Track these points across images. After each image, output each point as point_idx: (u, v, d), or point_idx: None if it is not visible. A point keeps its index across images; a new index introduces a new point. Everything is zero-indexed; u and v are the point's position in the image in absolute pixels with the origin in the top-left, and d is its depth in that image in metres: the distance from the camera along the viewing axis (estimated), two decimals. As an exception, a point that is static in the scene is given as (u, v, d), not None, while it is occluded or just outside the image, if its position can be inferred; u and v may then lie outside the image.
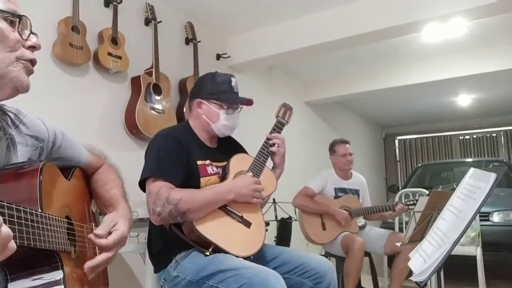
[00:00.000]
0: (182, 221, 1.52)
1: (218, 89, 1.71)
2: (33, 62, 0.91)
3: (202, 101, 1.72)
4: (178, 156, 1.60)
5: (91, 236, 0.97)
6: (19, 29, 0.88)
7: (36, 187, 0.83)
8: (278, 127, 1.84)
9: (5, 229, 0.62)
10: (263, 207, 1.77)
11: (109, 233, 1.01)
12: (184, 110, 3.04)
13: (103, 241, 0.98)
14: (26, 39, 0.89)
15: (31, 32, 0.91)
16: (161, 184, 1.52)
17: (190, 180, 1.61)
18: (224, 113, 1.71)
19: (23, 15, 0.89)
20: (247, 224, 1.62)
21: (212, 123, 1.72)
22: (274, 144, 1.79)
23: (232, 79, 1.75)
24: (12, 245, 0.64)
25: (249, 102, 1.75)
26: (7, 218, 0.67)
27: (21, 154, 0.94)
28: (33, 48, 0.91)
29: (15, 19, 0.87)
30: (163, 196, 1.48)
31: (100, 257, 0.97)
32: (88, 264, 0.94)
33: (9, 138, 0.93)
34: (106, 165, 1.25)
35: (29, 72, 0.91)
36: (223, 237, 1.54)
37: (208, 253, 1.51)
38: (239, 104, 1.76)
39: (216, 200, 1.57)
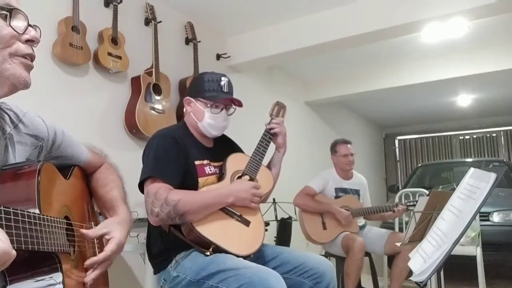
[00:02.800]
0: (181, 222, 1.52)
1: (205, 88, 1.69)
2: (31, 56, 0.87)
3: (190, 99, 1.73)
4: (176, 156, 1.60)
5: (87, 262, 0.97)
6: (12, 23, 0.83)
7: (34, 188, 0.82)
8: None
9: (1, 245, 0.62)
10: (264, 202, 1.77)
11: (104, 238, 1.02)
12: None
13: (100, 256, 0.98)
14: (23, 33, 0.84)
15: (29, 25, 0.86)
16: (160, 185, 1.52)
17: (188, 180, 1.61)
18: (208, 112, 1.68)
19: (14, 8, 0.83)
20: (246, 222, 1.63)
21: (198, 121, 1.71)
22: (275, 128, 1.81)
23: (223, 78, 1.70)
24: (13, 253, 0.64)
25: (234, 102, 1.72)
26: (4, 222, 0.66)
27: (20, 153, 0.93)
28: (31, 42, 0.86)
29: (6, 13, 0.82)
30: (162, 197, 1.48)
31: (97, 271, 0.98)
32: (89, 277, 0.95)
33: (8, 137, 0.91)
34: (106, 165, 1.24)
35: (28, 68, 0.86)
36: (223, 237, 1.54)
37: (208, 253, 1.51)
38: (225, 104, 1.71)
39: (215, 203, 1.57)
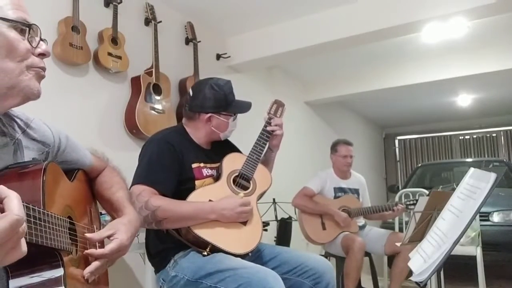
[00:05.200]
0: (156, 228, 1.53)
1: (227, 101, 1.73)
2: (42, 69, 0.91)
3: (214, 116, 1.73)
4: (170, 162, 1.60)
5: (89, 250, 0.99)
6: (29, 37, 0.88)
7: (39, 187, 0.83)
8: (270, 124, 1.83)
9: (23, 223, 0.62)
10: (258, 199, 1.77)
11: (109, 238, 1.03)
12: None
13: (100, 251, 0.99)
14: (36, 47, 0.89)
15: (41, 39, 0.91)
16: (144, 188, 1.52)
17: (186, 183, 1.61)
18: (231, 121, 1.76)
19: (33, 24, 0.88)
20: (243, 221, 1.63)
21: (221, 132, 1.75)
22: (275, 126, 1.82)
23: (231, 85, 1.78)
24: (24, 251, 0.64)
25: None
26: None
27: (28, 158, 0.95)
28: (42, 55, 0.91)
29: (25, 28, 0.87)
30: (143, 200, 1.48)
31: (95, 264, 0.98)
32: (88, 269, 0.96)
33: (16, 142, 0.94)
34: (109, 168, 1.26)
35: (41, 78, 0.91)
36: (219, 236, 1.54)
37: (205, 253, 1.51)
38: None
39: (195, 216, 1.54)
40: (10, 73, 0.85)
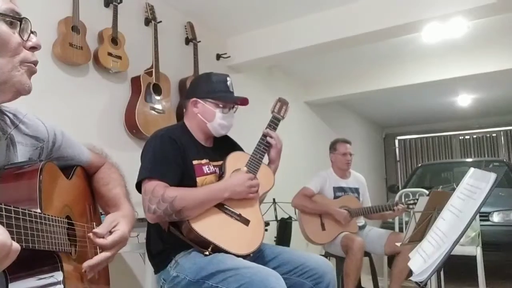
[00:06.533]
0: (178, 219, 1.53)
1: (214, 88, 1.72)
2: (35, 63, 0.90)
3: (198, 100, 1.73)
4: (174, 156, 1.61)
5: (90, 234, 0.97)
6: (19, 31, 0.86)
7: (36, 187, 0.83)
8: (274, 122, 1.84)
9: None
10: (261, 203, 1.77)
11: (110, 232, 1.01)
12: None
13: (102, 241, 0.98)
14: (27, 40, 0.87)
15: (31, 32, 0.89)
16: (157, 183, 1.53)
17: (187, 180, 1.61)
18: (220, 112, 1.71)
19: (23, 17, 0.86)
20: (246, 222, 1.63)
21: (208, 122, 1.72)
22: (271, 138, 1.81)
23: (228, 78, 1.76)
24: (16, 247, 0.64)
25: (244, 101, 1.77)
26: (4, 221, 0.66)
27: (21, 154, 0.94)
28: (33, 48, 0.89)
29: (15, 21, 0.85)
30: (159, 194, 1.49)
31: (99, 257, 0.96)
32: (87, 263, 0.94)
33: (9, 137, 0.92)
34: (108, 164, 1.25)
35: (32, 73, 0.90)
36: (221, 236, 1.54)
37: (207, 253, 1.51)
38: (235, 104, 1.77)
39: (211, 198, 1.57)
40: (1, 68, 0.83)
